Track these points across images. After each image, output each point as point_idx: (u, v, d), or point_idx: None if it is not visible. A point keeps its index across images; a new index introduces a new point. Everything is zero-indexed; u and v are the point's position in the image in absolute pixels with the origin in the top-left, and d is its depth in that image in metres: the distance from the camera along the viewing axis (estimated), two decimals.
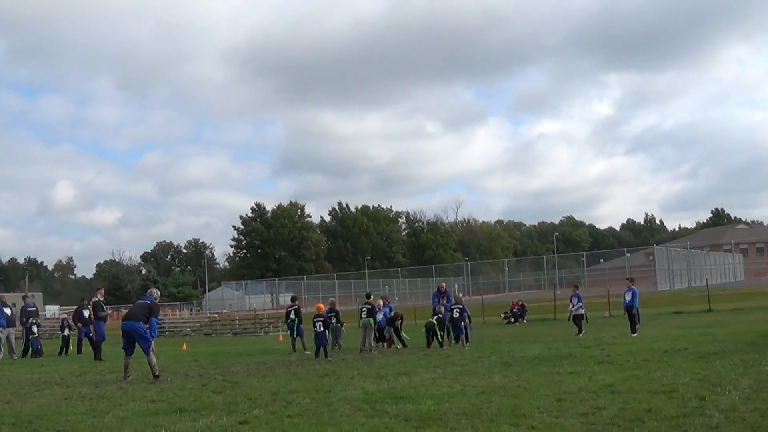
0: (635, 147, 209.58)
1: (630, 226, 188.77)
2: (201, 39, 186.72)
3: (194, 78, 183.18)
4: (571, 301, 23.62)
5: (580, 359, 14.65)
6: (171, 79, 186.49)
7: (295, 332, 21.80)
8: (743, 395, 9.09)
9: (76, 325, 25.54)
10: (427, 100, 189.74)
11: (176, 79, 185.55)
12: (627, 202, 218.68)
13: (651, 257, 71.45)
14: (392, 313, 22.48)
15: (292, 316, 21.95)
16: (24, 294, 48.49)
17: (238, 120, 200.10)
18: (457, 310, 20.60)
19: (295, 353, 21.00)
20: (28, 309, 26.07)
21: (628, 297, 21.99)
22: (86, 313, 25.18)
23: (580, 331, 22.33)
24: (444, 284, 24.00)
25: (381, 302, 22.74)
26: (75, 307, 28.16)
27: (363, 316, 21.11)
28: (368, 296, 22.47)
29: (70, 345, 26.60)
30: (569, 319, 23.48)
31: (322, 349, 18.74)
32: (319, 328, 18.79)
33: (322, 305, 20.31)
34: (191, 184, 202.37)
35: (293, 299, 23.48)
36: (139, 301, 15.74)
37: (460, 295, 24.23)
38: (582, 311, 23.07)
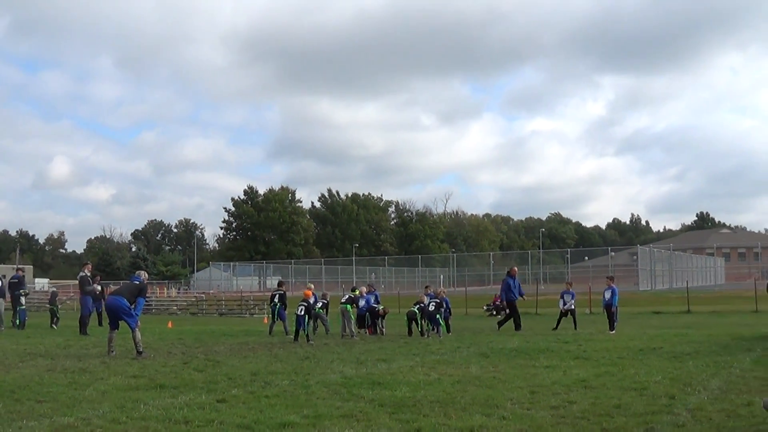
0: (625, 148, 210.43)
1: (616, 225, 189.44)
2: (202, 21, 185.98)
3: (194, 60, 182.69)
4: (562, 297, 23.75)
5: (556, 353, 14.74)
6: (171, 60, 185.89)
7: (276, 316, 21.93)
8: (712, 396, 9.18)
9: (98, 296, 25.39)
10: (424, 93, 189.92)
11: (176, 59, 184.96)
12: (614, 201, 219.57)
13: (634, 257, 71.69)
14: (378, 303, 22.64)
15: (276, 300, 22.07)
16: (17, 266, 48.31)
17: (236, 103, 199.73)
18: (434, 303, 20.76)
19: (271, 336, 21.09)
20: (11, 281, 26.07)
21: (607, 295, 22.17)
22: (98, 288, 25.51)
23: (576, 326, 22.53)
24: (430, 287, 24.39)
25: (365, 289, 22.95)
26: (71, 281, 28.19)
27: (341, 302, 21.31)
28: (353, 290, 22.73)
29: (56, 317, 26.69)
30: (566, 315, 23.47)
31: (302, 331, 18.80)
32: (301, 311, 18.85)
33: (309, 291, 20.40)
34: (186, 165, 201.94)
35: (280, 284, 23.62)
36: (128, 281, 15.93)
37: (442, 289, 24.39)
38: (572, 307, 23.28)
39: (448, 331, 21.32)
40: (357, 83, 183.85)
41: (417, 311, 20.87)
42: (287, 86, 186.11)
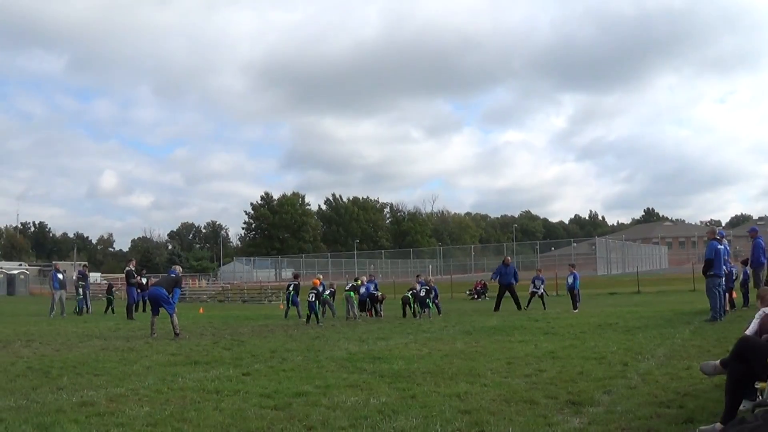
0: (583, 155, 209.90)
1: (577, 220, 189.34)
2: (225, 54, 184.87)
3: (218, 86, 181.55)
4: (533, 282, 23.77)
5: (529, 330, 14.79)
6: (199, 87, 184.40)
7: (290, 302, 21.99)
8: (658, 362, 9.23)
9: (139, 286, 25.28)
10: (413, 110, 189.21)
11: (204, 86, 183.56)
12: (576, 200, 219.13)
13: (593, 247, 71.83)
14: (377, 290, 22.70)
15: (291, 288, 22.14)
16: (81, 263, 48.13)
17: (253, 123, 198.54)
18: (425, 290, 20.87)
19: (286, 319, 21.14)
20: (78, 275, 26.15)
21: (570, 280, 22.22)
22: (142, 280, 25.56)
23: (545, 306, 22.56)
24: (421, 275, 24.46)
25: (365, 278, 23.04)
26: (119, 275, 28.19)
27: (345, 290, 21.40)
28: (356, 280, 22.79)
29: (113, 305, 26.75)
30: (536, 297, 23.47)
31: (312, 315, 18.83)
32: (312, 298, 18.90)
33: (317, 280, 20.45)
34: (212, 175, 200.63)
35: (295, 276, 23.74)
36: (166, 274, 15.95)
37: (431, 278, 24.51)
38: (542, 291, 23.30)
39: (438, 312, 21.42)
40: (355, 103, 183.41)
41: (410, 296, 20.94)
42: (296, 107, 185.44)
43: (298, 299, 21.98)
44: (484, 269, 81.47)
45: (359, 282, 22.50)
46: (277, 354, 11.36)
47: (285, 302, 22.69)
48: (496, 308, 22.54)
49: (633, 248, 79.27)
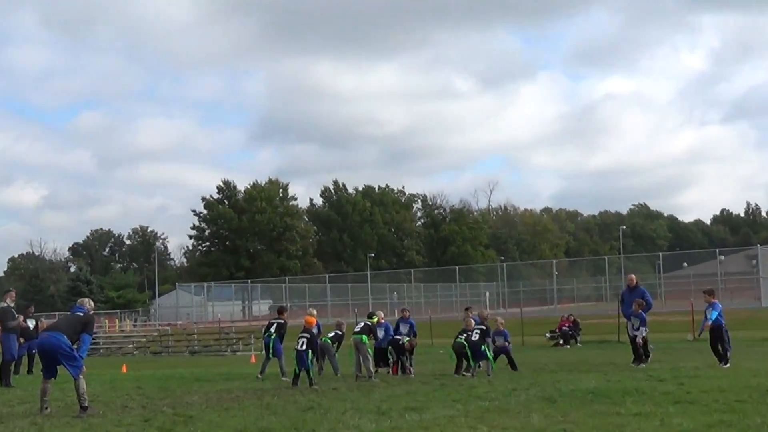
0: (736, 113, 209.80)
1: (725, 219, 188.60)
2: None
3: (147, 15, 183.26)
4: (629, 319, 23.40)
5: (649, 396, 14.62)
6: (116, 17, 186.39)
7: (270, 352, 21.99)
8: None
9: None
10: (457, 48, 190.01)
11: (123, 16, 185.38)
12: (722, 187, 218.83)
13: (754, 261, 71.15)
14: (412, 333, 22.91)
15: (272, 330, 22.16)
16: None
17: (206, 71, 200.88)
18: (478, 331, 20.97)
19: (261, 379, 21.29)
20: None
21: (710, 313, 21.88)
22: (30, 323, 25.53)
23: (645, 359, 22.26)
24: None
25: (382, 314, 23.04)
26: None
27: (355, 332, 21.33)
28: (370, 316, 22.70)
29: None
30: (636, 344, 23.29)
31: (303, 372, 18.79)
32: (302, 346, 18.84)
33: (312, 318, 20.42)
34: (141, 155, 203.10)
35: (280, 311, 23.89)
36: (68, 313, 15.85)
37: (486, 311, 24.43)
38: (644, 333, 22.89)
39: (513, 367, 21.60)
40: (365, 38, 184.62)
41: (465, 342, 20.91)
42: (274, 46, 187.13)
43: (281, 347, 22.03)
44: (574, 298, 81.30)
45: (375, 320, 22.49)
46: None
47: (263, 352, 22.73)
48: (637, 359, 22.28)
49: None
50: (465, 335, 21.21)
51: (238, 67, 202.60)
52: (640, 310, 22.86)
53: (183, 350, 41.51)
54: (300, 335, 19.28)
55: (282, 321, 22.60)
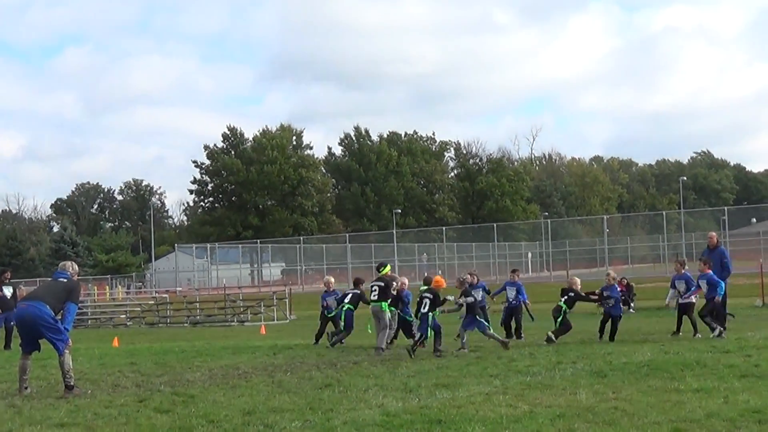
0: None
1: None
2: None
3: None
4: (673, 285, 23.30)
5: (712, 370, 14.62)
6: None
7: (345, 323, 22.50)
8: None
9: None
10: None
11: None
12: None
13: None
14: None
15: (346, 300, 22.67)
16: None
17: (208, 1, 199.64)
18: (512, 293, 22.43)
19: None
20: None
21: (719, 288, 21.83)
22: (7, 292, 25.68)
23: (696, 331, 22.16)
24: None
25: (405, 281, 22.90)
26: None
27: (373, 299, 21.36)
28: (379, 268, 22.62)
29: None
30: (673, 310, 23.29)
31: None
32: (425, 307, 19.59)
33: (441, 279, 20.95)
34: (135, 98, 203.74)
35: (356, 282, 23.97)
36: (50, 279, 15.84)
37: (516, 274, 24.77)
38: (693, 299, 22.82)
39: (519, 334, 22.37)
40: None
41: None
42: None
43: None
44: (628, 259, 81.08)
45: (386, 270, 22.48)
46: (255, 418, 11.39)
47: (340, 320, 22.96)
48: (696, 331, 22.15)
49: None
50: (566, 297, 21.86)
51: None
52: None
53: (183, 321, 41.60)
54: (422, 295, 19.88)
55: (357, 291, 22.91)
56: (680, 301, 22.89)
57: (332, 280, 25.89)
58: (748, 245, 73.29)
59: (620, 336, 22.11)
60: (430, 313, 19.50)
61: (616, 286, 22.45)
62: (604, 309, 22.01)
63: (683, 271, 23.24)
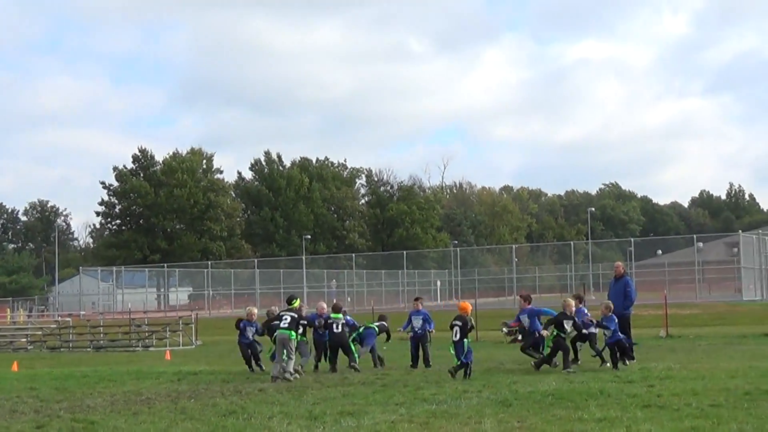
0: (720, 84, 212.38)
1: (705, 201, 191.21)
2: None
3: None
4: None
5: (615, 400, 14.80)
6: None
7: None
8: None
9: None
10: (411, 4, 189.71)
11: None
12: (702, 166, 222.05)
13: (735, 249, 72.18)
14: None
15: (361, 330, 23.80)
16: None
17: (120, 22, 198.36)
18: (420, 321, 23.00)
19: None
20: None
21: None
22: None
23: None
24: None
25: (324, 306, 23.34)
26: None
27: (283, 326, 21.46)
28: (290, 301, 22.71)
29: None
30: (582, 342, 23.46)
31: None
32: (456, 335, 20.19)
33: (467, 304, 22.17)
34: (41, 118, 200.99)
35: (335, 309, 24.06)
36: None
37: (420, 302, 25.01)
38: (593, 330, 22.98)
39: (426, 363, 22.60)
40: None
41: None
42: None
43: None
44: (536, 288, 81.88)
45: (297, 303, 22.63)
46: None
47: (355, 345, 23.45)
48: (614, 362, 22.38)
49: None
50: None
51: (158, 18, 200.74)
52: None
53: (86, 345, 41.13)
54: (453, 323, 20.36)
55: (384, 325, 24.16)
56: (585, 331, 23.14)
57: (255, 310, 25.78)
58: (653, 276, 74.57)
59: (526, 364, 22.29)
60: (465, 340, 20.10)
61: (614, 315, 22.32)
62: (605, 339, 21.82)
63: (580, 306, 23.52)
